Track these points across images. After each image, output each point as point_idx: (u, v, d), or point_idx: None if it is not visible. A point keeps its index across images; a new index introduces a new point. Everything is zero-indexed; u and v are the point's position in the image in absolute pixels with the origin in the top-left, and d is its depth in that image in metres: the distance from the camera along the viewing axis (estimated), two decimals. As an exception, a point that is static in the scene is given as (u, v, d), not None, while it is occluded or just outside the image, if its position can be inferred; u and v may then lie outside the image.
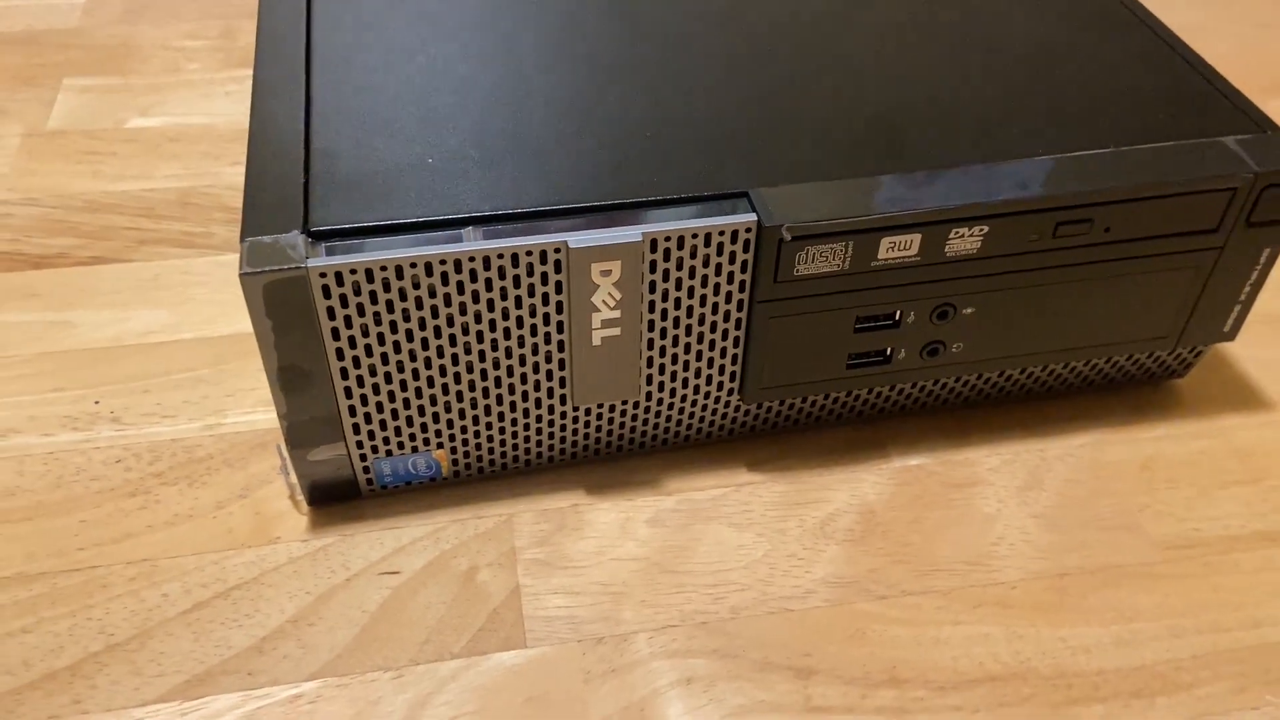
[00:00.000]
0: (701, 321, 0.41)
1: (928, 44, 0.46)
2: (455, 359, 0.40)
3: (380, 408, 0.40)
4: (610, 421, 0.44)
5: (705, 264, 0.39)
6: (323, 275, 0.36)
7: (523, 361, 0.40)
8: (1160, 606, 0.42)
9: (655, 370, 0.42)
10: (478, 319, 0.39)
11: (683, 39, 0.46)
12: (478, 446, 0.43)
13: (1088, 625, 0.41)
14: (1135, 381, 0.50)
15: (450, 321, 0.38)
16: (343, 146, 0.40)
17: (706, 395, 0.44)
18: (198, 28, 0.72)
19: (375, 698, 0.38)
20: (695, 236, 0.38)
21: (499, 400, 0.41)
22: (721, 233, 0.38)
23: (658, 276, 0.39)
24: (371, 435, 0.41)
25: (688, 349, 0.42)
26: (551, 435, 0.44)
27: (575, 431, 0.44)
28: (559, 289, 0.38)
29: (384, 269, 0.37)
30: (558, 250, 0.37)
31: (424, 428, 0.42)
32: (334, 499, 0.44)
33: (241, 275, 0.36)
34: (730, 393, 0.44)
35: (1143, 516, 0.45)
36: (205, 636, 0.40)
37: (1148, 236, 0.42)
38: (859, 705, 0.39)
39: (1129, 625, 0.41)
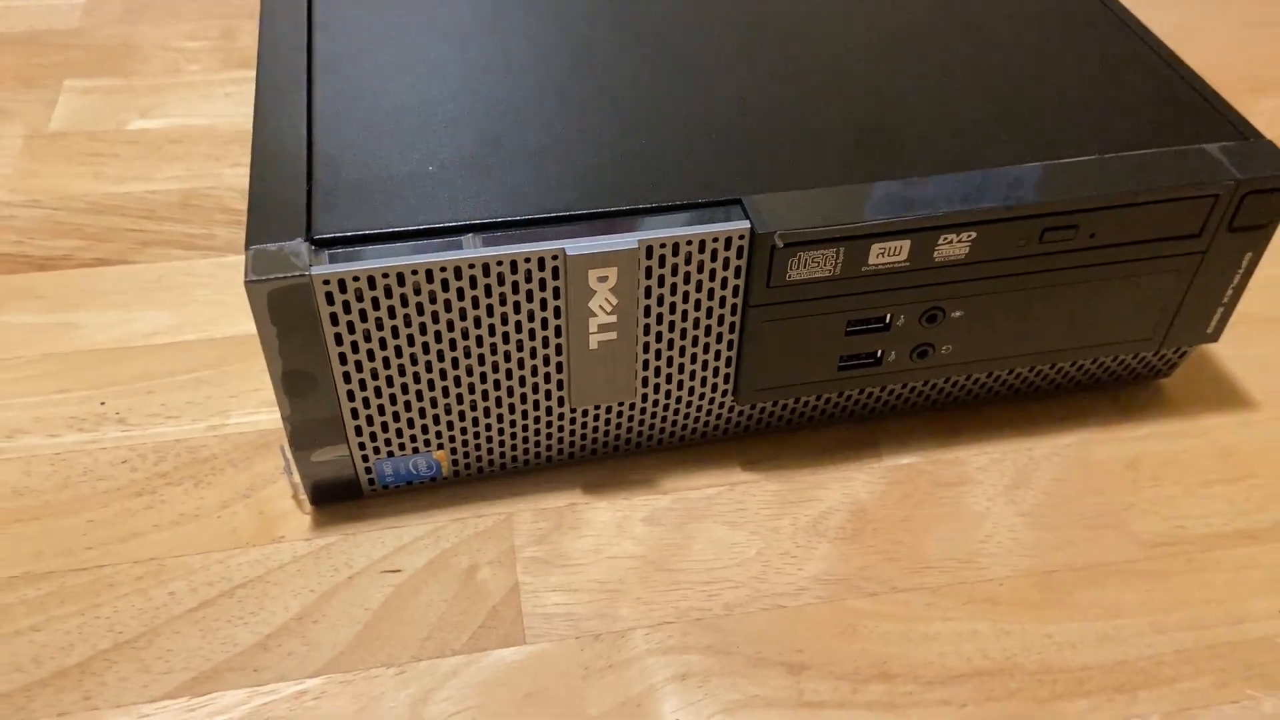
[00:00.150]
0: (696, 325, 0.42)
1: (918, 50, 0.47)
2: (455, 362, 0.40)
3: (382, 410, 0.41)
4: (607, 422, 0.45)
5: (700, 270, 0.40)
6: (326, 282, 0.37)
7: (521, 364, 0.41)
8: (1144, 603, 0.43)
9: (651, 372, 0.43)
10: (477, 324, 0.39)
11: (678, 46, 0.47)
12: (477, 447, 0.44)
13: (1073, 621, 0.42)
14: (1121, 382, 0.51)
15: (451, 326, 0.39)
16: (345, 153, 0.41)
17: (701, 396, 0.45)
18: (197, 28, 0.73)
19: (378, 693, 0.39)
20: (690, 243, 0.39)
21: (498, 402, 0.42)
22: (715, 239, 0.39)
23: (653, 282, 0.40)
24: (373, 437, 0.42)
25: (683, 352, 0.42)
26: (550, 436, 0.45)
27: (573, 432, 0.45)
28: (557, 294, 0.39)
29: (386, 276, 0.37)
30: (555, 257, 0.38)
31: (425, 429, 0.42)
32: (336, 498, 0.45)
33: (247, 283, 0.36)
34: (725, 394, 0.45)
35: (1128, 515, 0.46)
36: (212, 634, 0.41)
37: (1132, 241, 0.43)
38: (850, 700, 0.40)
39: (1113, 621, 0.42)
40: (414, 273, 0.38)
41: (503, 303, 0.39)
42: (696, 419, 0.46)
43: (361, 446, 0.43)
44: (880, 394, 0.48)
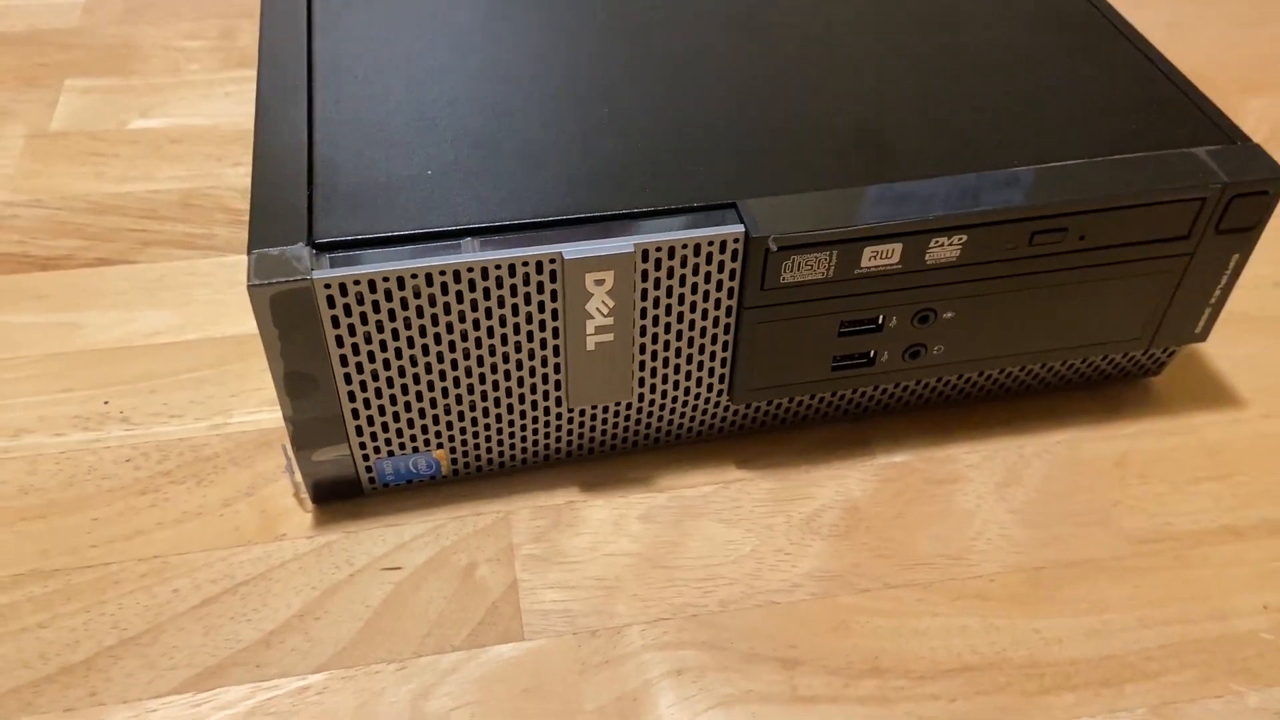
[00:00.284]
0: (691, 327, 0.42)
1: (910, 54, 0.48)
2: (454, 364, 0.41)
3: (382, 410, 0.42)
4: (604, 421, 0.46)
5: (695, 272, 0.41)
6: (327, 286, 0.38)
7: (519, 365, 0.42)
8: (1131, 598, 0.44)
9: (647, 373, 0.44)
10: (476, 326, 0.40)
11: (673, 50, 0.47)
12: (476, 446, 0.45)
13: (1061, 617, 0.43)
14: (1111, 380, 0.51)
15: (450, 328, 0.40)
16: (345, 158, 0.42)
17: (697, 396, 0.45)
18: (197, 27, 0.73)
19: (379, 689, 0.40)
20: (685, 247, 0.40)
21: (496, 403, 0.43)
22: (710, 243, 0.40)
23: (649, 284, 0.41)
24: (374, 437, 0.43)
25: (678, 353, 0.43)
26: (547, 435, 0.45)
27: (570, 431, 0.46)
28: (554, 297, 0.40)
29: (386, 279, 0.38)
30: (553, 261, 0.39)
31: (424, 429, 0.43)
32: (337, 497, 0.46)
33: (250, 287, 0.37)
34: (720, 394, 0.45)
35: (1116, 511, 0.47)
36: (215, 631, 0.42)
37: (1121, 244, 0.43)
38: (842, 694, 0.40)
39: (1100, 616, 0.43)
40: (413, 276, 0.38)
41: (501, 305, 0.40)
42: (692, 418, 0.47)
43: (362, 446, 0.43)
44: (873, 393, 0.48)
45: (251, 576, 0.43)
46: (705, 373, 0.44)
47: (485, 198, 0.40)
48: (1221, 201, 0.43)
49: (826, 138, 0.43)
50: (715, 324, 0.42)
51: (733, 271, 0.41)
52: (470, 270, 0.38)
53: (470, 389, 0.42)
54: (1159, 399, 0.51)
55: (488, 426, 0.44)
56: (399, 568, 0.44)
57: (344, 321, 0.39)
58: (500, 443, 0.45)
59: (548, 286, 0.39)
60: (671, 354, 0.43)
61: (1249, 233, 0.44)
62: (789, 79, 0.46)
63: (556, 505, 0.46)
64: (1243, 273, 0.58)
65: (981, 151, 0.43)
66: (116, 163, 0.62)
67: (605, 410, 0.45)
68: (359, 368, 0.40)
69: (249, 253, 0.38)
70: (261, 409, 0.49)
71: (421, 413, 0.43)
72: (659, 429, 0.47)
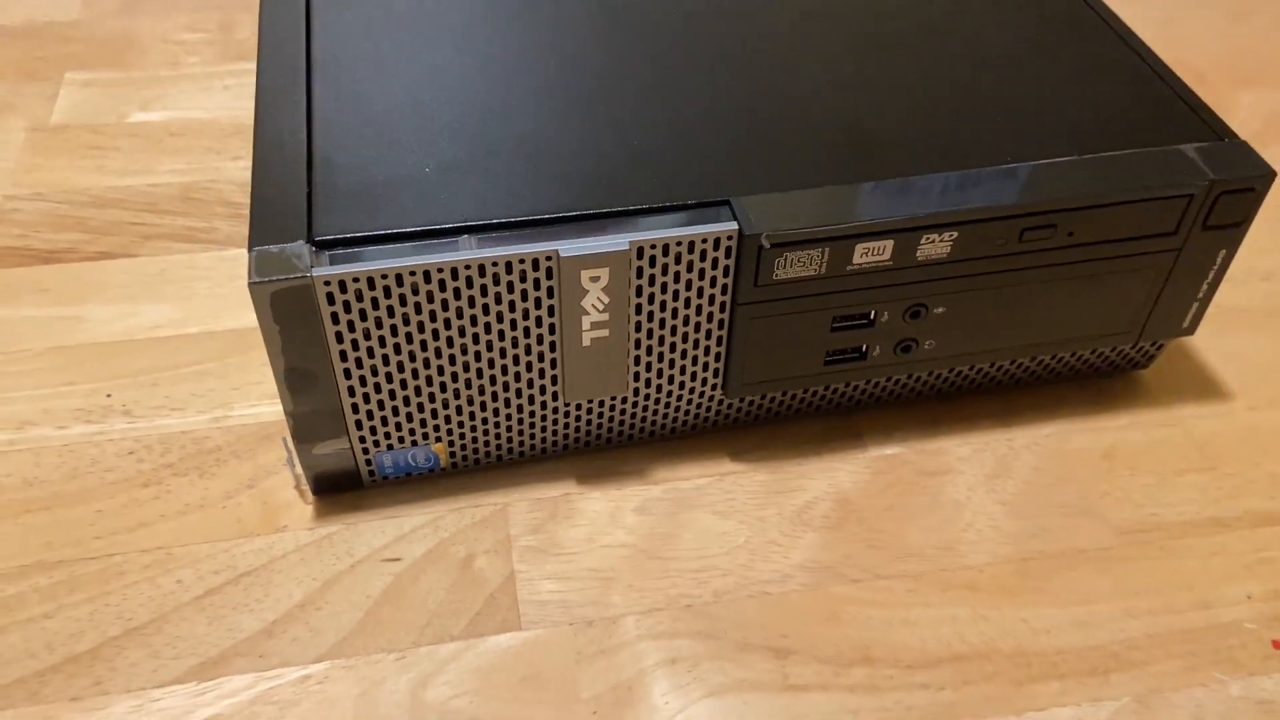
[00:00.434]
0: (686, 322, 0.43)
1: (901, 52, 0.48)
2: (452, 359, 0.42)
3: (381, 405, 0.43)
4: (600, 415, 0.46)
5: (689, 269, 0.41)
6: (327, 283, 0.38)
7: (516, 361, 0.42)
8: (1117, 589, 0.44)
9: (642, 368, 0.44)
10: (473, 322, 0.41)
11: (668, 47, 0.48)
12: (474, 440, 0.45)
13: (1049, 607, 0.44)
14: (1100, 373, 0.52)
15: (448, 325, 0.41)
16: (344, 155, 0.42)
17: (691, 390, 0.46)
18: (195, 20, 0.74)
19: (380, 678, 0.41)
20: (680, 244, 0.40)
21: (494, 397, 0.44)
22: (704, 240, 0.40)
23: (644, 281, 0.41)
24: (373, 431, 0.44)
25: (673, 348, 0.44)
26: (544, 429, 0.46)
27: (566, 425, 0.46)
28: (550, 294, 0.40)
29: (385, 277, 0.39)
30: (549, 258, 0.39)
31: (423, 423, 0.44)
32: (337, 489, 0.46)
33: (250, 284, 0.38)
34: (714, 388, 0.46)
35: (1103, 503, 0.47)
36: (218, 621, 0.42)
37: (1109, 240, 0.44)
38: (833, 683, 0.41)
39: (1087, 607, 0.44)
40: (412, 273, 0.39)
41: (498, 302, 0.40)
42: (686, 412, 0.47)
43: (362, 440, 0.44)
44: (865, 386, 0.49)
45: (253, 567, 0.44)
46: (700, 367, 0.45)
47: (482, 195, 0.41)
48: (1208, 198, 0.43)
49: (819, 134, 0.44)
50: (709, 320, 0.43)
51: (726, 268, 0.41)
52: (468, 267, 0.39)
53: (468, 384, 0.43)
54: (1147, 392, 0.52)
55: (485, 421, 0.45)
56: (399, 559, 0.44)
57: (343, 318, 0.39)
58: (498, 436, 0.46)
59: (544, 283, 0.40)
60: (666, 349, 0.44)
61: (1236, 229, 0.45)
62: (783, 76, 0.47)
63: (553, 498, 0.47)
64: (1232, 265, 0.59)
65: (972, 148, 0.44)
66: (117, 156, 0.63)
67: (601, 404, 0.46)
68: (358, 363, 0.41)
69: (249, 250, 0.39)
70: (262, 402, 0.50)
71: (420, 407, 0.43)
72: (654, 422, 0.48)
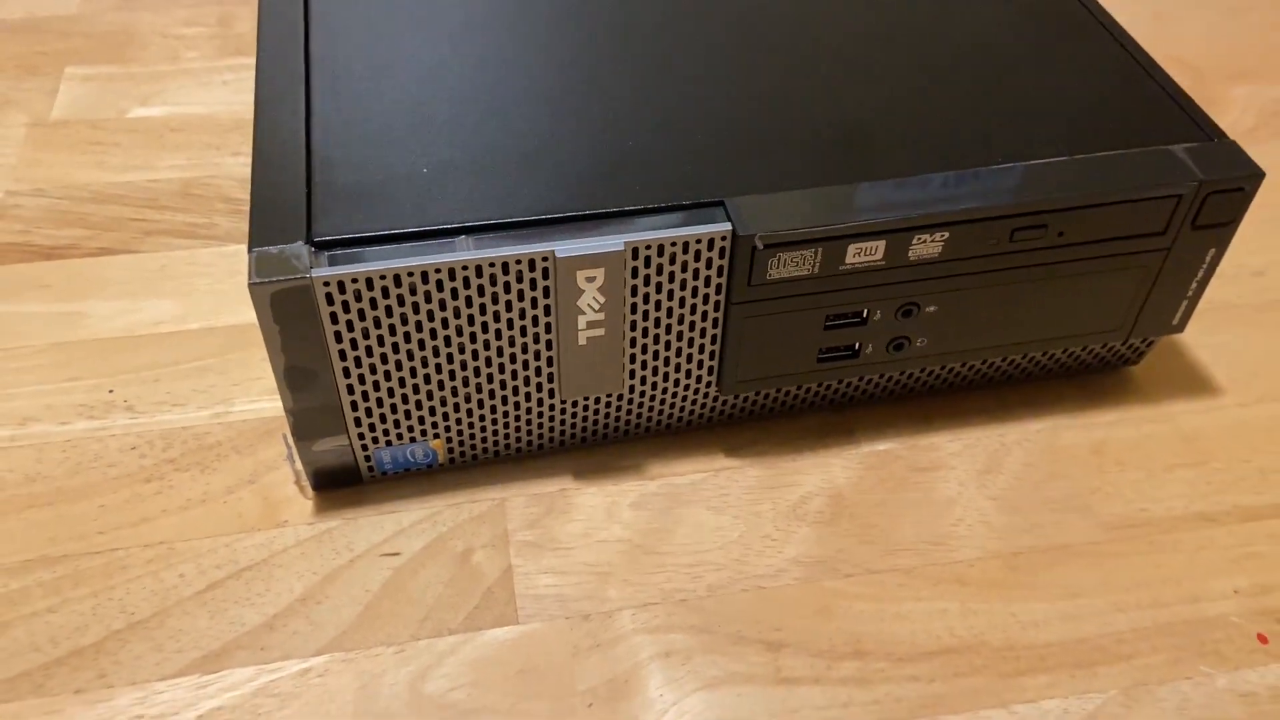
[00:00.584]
0: (681, 321, 0.44)
1: (894, 53, 0.48)
2: (450, 358, 0.42)
3: (380, 403, 0.43)
4: (596, 412, 0.47)
5: (684, 269, 0.42)
6: (326, 284, 0.39)
7: (513, 359, 0.43)
8: (1105, 583, 0.45)
9: (638, 366, 0.45)
10: (471, 321, 0.41)
11: (664, 48, 0.48)
12: (471, 436, 0.46)
13: (1037, 601, 0.44)
14: (1091, 369, 0.53)
15: (445, 324, 0.41)
16: (342, 156, 0.43)
17: (686, 388, 0.47)
18: (194, 14, 0.74)
19: (379, 671, 0.42)
20: (674, 245, 0.41)
21: (491, 395, 0.44)
22: (699, 241, 0.41)
23: (639, 281, 0.42)
24: (372, 428, 0.44)
25: (668, 346, 0.44)
26: (541, 425, 0.47)
27: (563, 421, 0.47)
28: (547, 294, 0.41)
29: (383, 277, 0.39)
30: (545, 259, 0.40)
31: (421, 420, 0.44)
32: (337, 484, 0.47)
33: (250, 285, 0.38)
34: (709, 385, 0.47)
35: (1093, 498, 0.48)
36: (220, 615, 0.43)
37: (1099, 239, 0.45)
38: (825, 676, 0.42)
39: (1075, 601, 0.44)
40: (410, 274, 0.39)
41: (495, 301, 0.41)
42: (682, 408, 0.48)
43: (361, 436, 0.44)
44: (858, 383, 0.50)
45: (255, 562, 0.45)
46: (694, 365, 0.46)
47: (479, 195, 0.41)
48: (1197, 199, 0.44)
49: (812, 134, 0.44)
50: (704, 318, 0.44)
51: (720, 268, 0.42)
52: (465, 268, 0.40)
53: (465, 382, 0.43)
54: (1137, 387, 0.53)
55: (483, 418, 0.45)
56: (397, 553, 0.45)
57: (342, 318, 0.40)
58: (495, 433, 0.46)
59: (540, 283, 0.41)
60: (661, 347, 0.44)
61: (1225, 228, 0.45)
62: (777, 77, 0.47)
63: (550, 493, 0.47)
64: (1224, 261, 0.59)
65: (963, 148, 0.44)
66: (117, 151, 0.63)
67: (597, 401, 0.46)
68: (357, 361, 0.42)
69: (249, 251, 0.39)
70: (263, 398, 0.51)
71: (418, 404, 0.44)
72: (650, 418, 0.48)
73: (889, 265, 0.43)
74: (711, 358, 0.45)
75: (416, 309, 0.40)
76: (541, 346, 0.43)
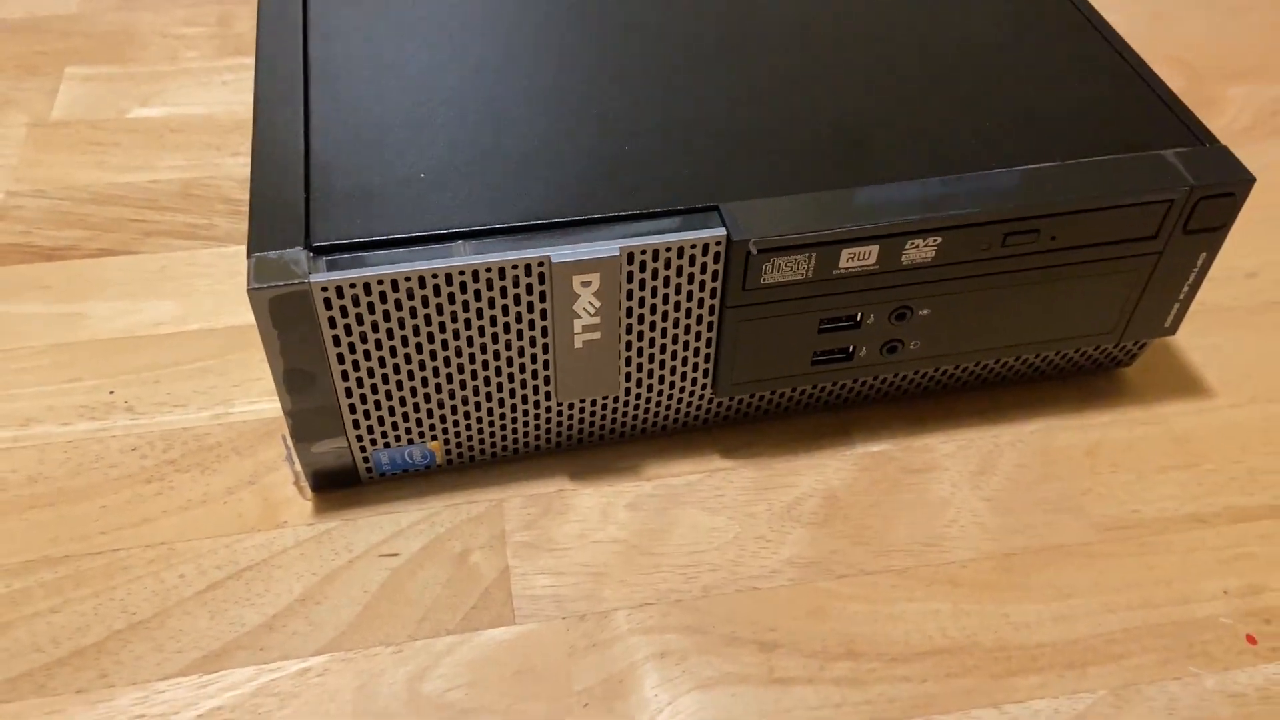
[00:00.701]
0: (676, 325, 0.44)
1: (888, 57, 0.49)
2: (447, 361, 0.43)
3: (378, 405, 0.44)
4: (592, 414, 0.47)
5: (679, 274, 0.42)
6: (324, 289, 0.39)
7: (510, 363, 0.43)
8: (1096, 584, 0.46)
9: (633, 368, 0.45)
10: (467, 325, 0.42)
11: (662, 52, 0.49)
12: (469, 438, 0.47)
13: (1029, 602, 0.45)
14: (1084, 371, 0.53)
15: (442, 328, 0.42)
16: (340, 160, 0.43)
17: (681, 390, 0.47)
18: (194, 14, 0.74)
19: (378, 671, 0.42)
20: (669, 250, 0.41)
21: (488, 397, 0.45)
22: (693, 246, 0.41)
23: (635, 285, 0.42)
24: (370, 430, 0.45)
25: (663, 349, 0.45)
26: (538, 427, 0.47)
27: (560, 423, 0.47)
28: (543, 298, 0.41)
29: (381, 282, 0.40)
30: (541, 264, 0.40)
31: (419, 423, 0.45)
32: (336, 485, 0.47)
33: (250, 290, 0.39)
34: (704, 387, 0.47)
35: (1085, 500, 0.49)
36: (220, 615, 0.43)
37: (1091, 244, 0.45)
38: (818, 676, 0.42)
39: (1067, 602, 0.45)
40: (407, 279, 0.40)
41: (491, 306, 0.41)
42: (678, 410, 0.48)
43: (359, 439, 0.45)
44: (853, 385, 0.50)
45: (254, 562, 0.45)
46: (690, 368, 0.46)
47: (476, 200, 0.42)
48: (1189, 203, 0.44)
49: (807, 140, 0.45)
50: (699, 322, 0.44)
51: (715, 273, 0.42)
52: (462, 273, 0.40)
53: (463, 385, 0.44)
54: (1130, 389, 0.53)
55: (480, 420, 0.46)
56: (396, 554, 0.46)
57: (340, 322, 0.40)
58: (492, 434, 0.47)
59: (536, 288, 0.41)
60: (657, 350, 0.45)
61: (1216, 232, 0.46)
62: (771, 82, 0.47)
63: (547, 494, 0.48)
64: (1217, 263, 0.59)
65: (957, 153, 0.44)
66: (117, 152, 0.64)
67: (594, 403, 0.47)
68: (355, 365, 0.42)
69: (248, 256, 0.39)
70: (262, 399, 0.51)
71: (416, 407, 0.44)
72: (646, 420, 0.49)
73: (882, 270, 0.44)
74: (707, 360, 0.46)
75: (414, 313, 0.41)
76: (538, 350, 0.43)
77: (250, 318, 0.55)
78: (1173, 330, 0.50)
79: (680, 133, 0.45)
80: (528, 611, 0.44)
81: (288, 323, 0.40)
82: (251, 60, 0.70)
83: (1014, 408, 0.52)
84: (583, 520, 0.47)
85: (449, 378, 0.43)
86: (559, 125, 0.45)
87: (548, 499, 0.48)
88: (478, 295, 0.41)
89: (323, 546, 0.46)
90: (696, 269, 0.42)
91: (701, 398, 0.48)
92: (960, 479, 0.49)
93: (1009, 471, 0.49)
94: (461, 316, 0.41)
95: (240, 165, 0.63)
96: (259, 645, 0.43)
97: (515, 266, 0.40)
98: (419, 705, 0.41)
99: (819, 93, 0.47)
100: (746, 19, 0.51)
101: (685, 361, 0.46)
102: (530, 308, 0.42)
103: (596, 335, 0.43)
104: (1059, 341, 0.49)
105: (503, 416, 0.46)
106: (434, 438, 0.46)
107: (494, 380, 0.44)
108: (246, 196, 0.60)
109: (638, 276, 0.42)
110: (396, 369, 0.43)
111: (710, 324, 0.44)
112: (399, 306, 0.40)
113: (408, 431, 0.45)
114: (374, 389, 0.43)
